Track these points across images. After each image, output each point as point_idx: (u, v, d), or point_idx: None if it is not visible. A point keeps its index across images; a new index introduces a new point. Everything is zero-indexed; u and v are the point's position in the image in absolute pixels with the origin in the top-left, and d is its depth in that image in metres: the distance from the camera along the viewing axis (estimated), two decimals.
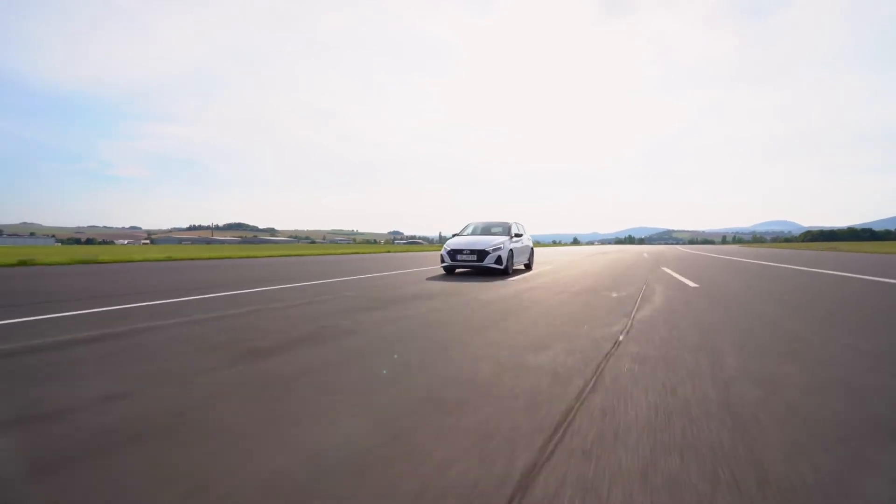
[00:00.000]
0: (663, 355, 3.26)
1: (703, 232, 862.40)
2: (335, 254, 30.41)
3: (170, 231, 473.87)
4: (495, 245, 10.94)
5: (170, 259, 19.65)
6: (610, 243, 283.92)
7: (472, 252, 10.88)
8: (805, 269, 12.80)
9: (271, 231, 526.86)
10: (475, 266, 10.92)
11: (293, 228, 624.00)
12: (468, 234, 12.37)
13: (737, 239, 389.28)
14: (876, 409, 2.22)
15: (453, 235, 12.45)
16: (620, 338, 3.86)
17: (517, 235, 12.12)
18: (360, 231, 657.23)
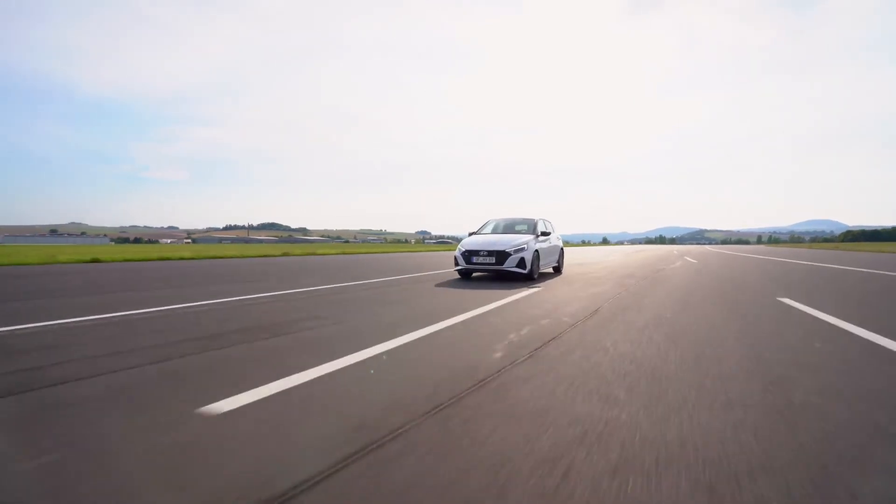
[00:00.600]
0: None
1: (738, 232, 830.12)
2: (382, 252, 32.18)
3: (206, 231, 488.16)
4: (518, 245, 9.30)
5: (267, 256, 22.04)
6: (639, 243, 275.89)
7: (491, 253, 9.26)
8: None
9: (303, 231, 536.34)
10: (494, 270, 9.31)
11: (323, 228, 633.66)
12: (487, 233, 10.74)
13: (772, 239, 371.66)
14: None
15: (470, 234, 10.83)
16: None
17: (544, 234, 10.43)
18: (389, 231, 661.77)
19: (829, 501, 1.45)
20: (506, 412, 2.20)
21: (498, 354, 3.32)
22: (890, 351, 3.46)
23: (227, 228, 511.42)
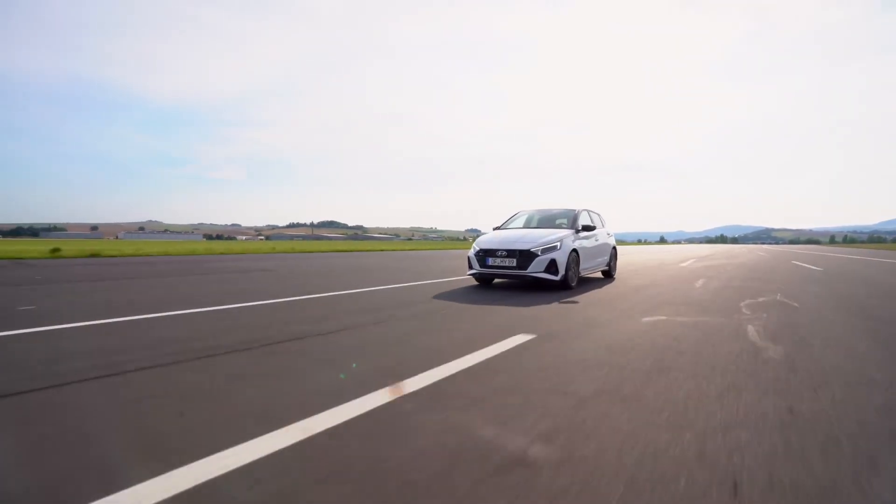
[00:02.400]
0: None
1: (810, 231, 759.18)
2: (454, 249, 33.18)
3: (266, 228, 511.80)
4: (547, 243, 6.76)
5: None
6: (698, 242, 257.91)
7: (510, 254, 6.79)
8: None
9: (361, 228, 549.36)
10: (515, 276, 6.85)
11: (375, 226, 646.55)
12: (516, 228, 8.23)
13: (848, 239, 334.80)
14: None
15: (495, 229, 8.37)
16: None
17: (586, 228, 7.79)
18: (439, 228, 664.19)
19: None
20: None
21: None
22: None
23: (291, 226, 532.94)
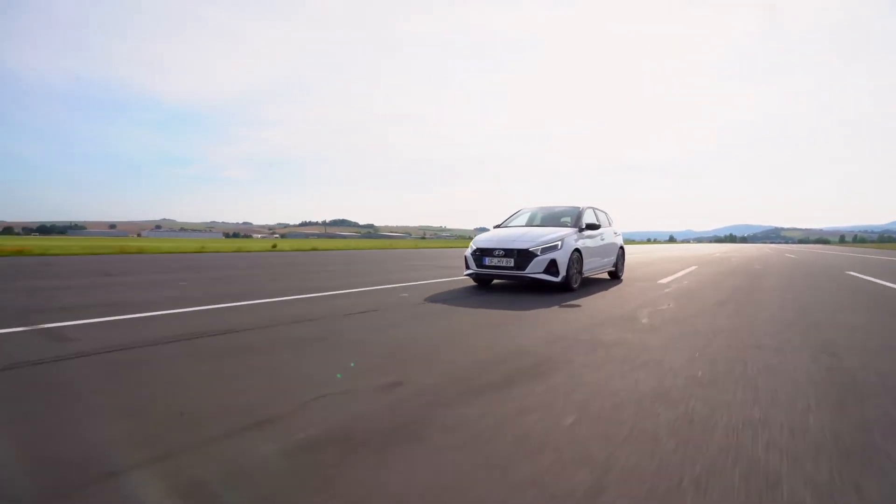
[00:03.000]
0: None
1: (820, 230, 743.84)
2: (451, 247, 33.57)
3: (274, 226, 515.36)
4: (546, 242, 6.28)
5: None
6: (706, 242, 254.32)
7: (508, 253, 6.31)
8: None
9: (371, 227, 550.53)
10: (512, 276, 6.38)
11: (384, 224, 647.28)
12: (517, 226, 7.73)
13: (858, 239, 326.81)
14: None
15: (495, 227, 7.89)
16: None
17: (591, 227, 7.23)
18: (448, 227, 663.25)
19: None
20: None
21: None
22: None
23: (303, 224, 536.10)
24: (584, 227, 7.05)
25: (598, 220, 7.92)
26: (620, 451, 1.64)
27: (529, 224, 7.74)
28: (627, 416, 1.97)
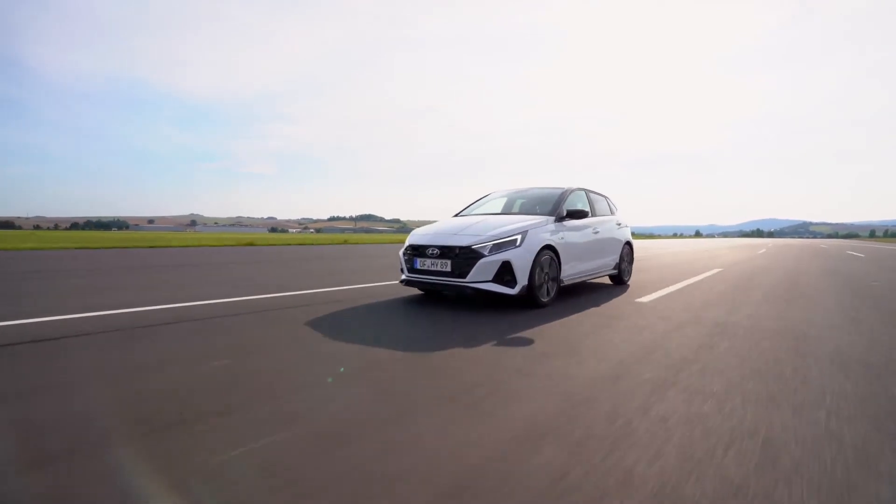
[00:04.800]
0: None
1: (851, 225, 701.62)
2: None
3: (300, 221, 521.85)
4: (499, 236, 4.09)
5: None
6: (732, 236, 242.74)
7: (443, 252, 4.17)
8: None
9: (397, 221, 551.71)
10: (448, 285, 4.15)
11: (408, 219, 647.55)
12: (480, 214, 5.39)
13: (889, 233, 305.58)
14: None
15: (454, 216, 5.63)
16: None
17: (574, 215, 4.90)
18: None
19: None
20: None
21: None
22: None
23: (332, 219, 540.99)
24: (564, 214, 4.80)
25: (591, 206, 5.67)
26: None
27: (505, 212, 5.54)
28: None
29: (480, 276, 3.92)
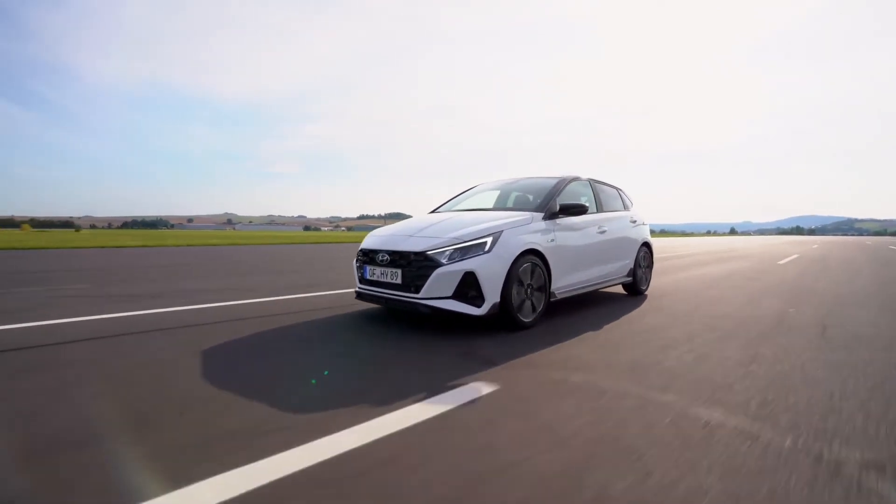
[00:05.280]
0: None
1: None
2: None
3: (328, 219, 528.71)
4: (462, 238, 3.11)
5: None
6: (769, 234, 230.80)
7: (394, 259, 3.24)
8: None
9: None
10: (400, 301, 3.17)
11: None
12: (458, 210, 4.42)
13: None
14: None
15: (430, 213, 4.61)
16: None
17: (570, 210, 3.80)
18: None
19: None
20: None
21: None
22: None
23: (361, 218, 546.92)
24: (556, 210, 3.79)
25: (596, 200, 4.63)
26: None
27: (499, 208, 4.55)
28: None
29: (437, 291, 2.98)
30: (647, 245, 5.44)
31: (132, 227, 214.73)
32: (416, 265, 3.07)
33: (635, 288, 5.12)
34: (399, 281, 3.15)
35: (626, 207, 5.29)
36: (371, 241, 3.60)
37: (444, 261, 3.01)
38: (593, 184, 4.76)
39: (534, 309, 3.34)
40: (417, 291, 3.03)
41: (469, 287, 2.98)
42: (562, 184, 4.16)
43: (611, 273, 4.62)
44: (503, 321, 3.17)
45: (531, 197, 4.25)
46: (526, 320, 3.25)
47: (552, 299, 3.57)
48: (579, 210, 3.84)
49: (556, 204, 3.81)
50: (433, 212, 4.67)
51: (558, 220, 3.77)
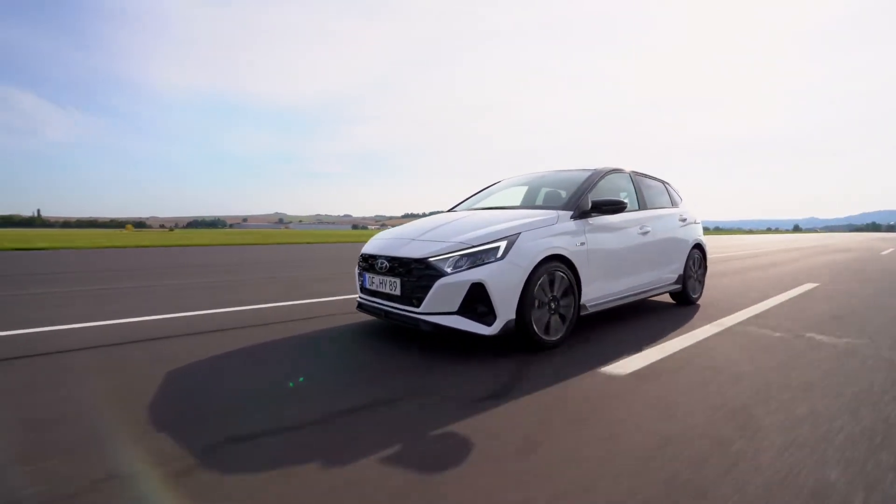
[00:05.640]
0: None
1: None
2: None
3: (374, 218, 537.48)
4: (469, 242, 2.61)
5: None
6: (839, 231, 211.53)
7: (392, 267, 2.79)
8: None
9: None
10: (398, 316, 2.71)
11: None
12: (473, 209, 3.88)
13: None
14: None
15: (449, 211, 4.05)
16: None
17: (603, 208, 3.18)
18: None
19: None
20: None
21: None
22: None
23: (406, 217, 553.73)
24: (588, 208, 3.22)
25: (638, 195, 3.98)
26: None
27: (527, 206, 3.99)
28: None
29: (440, 306, 2.51)
30: (699, 247, 4.69)
31: (196, 227, 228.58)
32: (416, 274, 2.62)
33: (686, 297, 4.41)
34: (398, 292, 2.71)
35: (673, 204, 4.58)
36: (372, 244, 3.18)
37: (447, 269, 2.53)
38: (635, 177, 4.10)
39: (559, 326, 2.80)
40: (418, 305, 2.58)
41: (477, 301, 2.48)
42: (596, 176, 3.56)
43: (656, 280, 3.96)
44: (521, 341, 2.66)
45: (563, 193, 3.67)
46: (549, 339, 2.72)
47: (582, 313, 3.00)
48: (616, 207, 3.22)
49: (588, 200, 3.22)
50: (451, 210, 4.19)
51: (591, 220, 3.19)
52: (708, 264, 4.97)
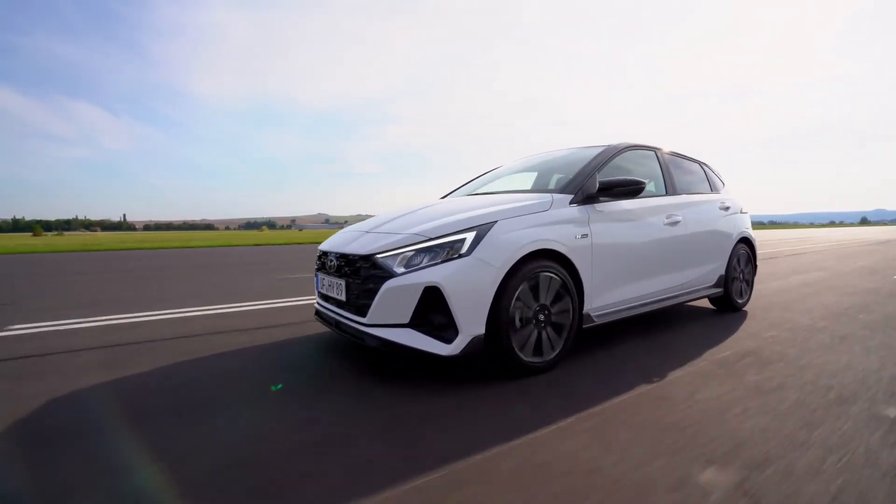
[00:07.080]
0: None
1: None
2: None
3: None
4: (425, 234, 1.99)
5: None
6: None
7: (340, 267, 2.20)
8: None
9: None
10: (345, 327, 2.12)
11: None
12: (477, 194, 3.17)
13: None
14: None
15: (441, 199, 3.01)
16: None
17: (620, 190, 2.46)
18: None
19: None
20: None
21: None
22: None
23: None
24: (594, 191, 2.49)
25: (666, 177, 3.19)
26: None
27: (536, 189, 3.24)
28: None
29: (388, 316, 1.91)
30: (746, 241, 3.82)
31: (249, 229, 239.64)
32: (362, 275, 2.04)
33: (729, 302, 3.57)
34: (343, 297, 2.14)
35: (713, 189, 3.74)
36: (329, 239, 2.63)
37: (397, 269, 1.93)
38: (662, 155, 3.30)
39: (551, 343, 2.14)
40: (363, 314, 2.00)
41: (434, 310, 1.88)
42: (608, 153, 2.82)
43: (689, 283, 3.16)
44: (496, 363, 2.02)
45: (569, 175, 2.96)
46: (536, 361, 2.06)
47: (585, 325, 2.31)
48: (632, 189, 2.49)
49: (596, 181, 2.51)
50: (444, 198, 3.57)
51: (598, 206, 2.49)
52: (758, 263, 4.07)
